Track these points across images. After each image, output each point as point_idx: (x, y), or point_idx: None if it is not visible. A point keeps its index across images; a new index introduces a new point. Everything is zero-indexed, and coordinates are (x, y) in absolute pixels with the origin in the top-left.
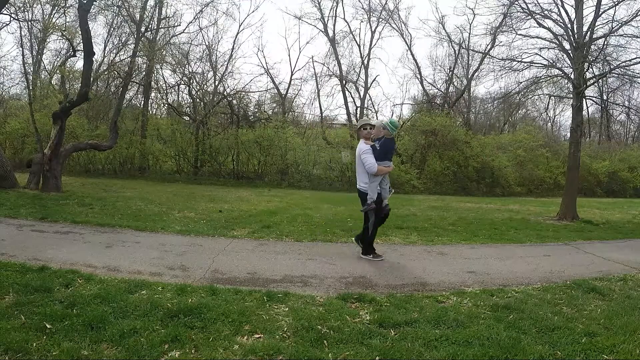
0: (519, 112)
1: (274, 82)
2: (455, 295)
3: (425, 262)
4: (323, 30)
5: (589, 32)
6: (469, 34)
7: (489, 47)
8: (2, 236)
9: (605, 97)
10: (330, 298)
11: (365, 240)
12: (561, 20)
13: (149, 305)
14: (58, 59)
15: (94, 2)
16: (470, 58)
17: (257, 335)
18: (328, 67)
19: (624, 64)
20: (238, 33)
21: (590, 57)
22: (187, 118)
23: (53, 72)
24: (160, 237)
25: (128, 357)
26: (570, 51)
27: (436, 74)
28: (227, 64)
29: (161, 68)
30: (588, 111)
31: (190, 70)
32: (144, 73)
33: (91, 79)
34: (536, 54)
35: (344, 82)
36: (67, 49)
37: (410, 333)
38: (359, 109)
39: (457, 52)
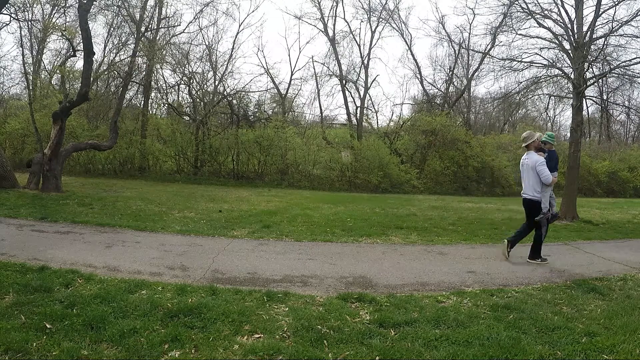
0: (519, 112)
1: (274, 82)
2: (455, 295)
3: (425, 262)
4: (323, 30)
5: (589, 32)
6: (469, 33)
7: (489, 47)
8: (2, 236)
9: (605, 97)
10: (330, 298)
11: (534, 245)
12: (561, 20)
13: (149, 305)
14: (58, 59)
15: (94, 2)
16: (470, 58)
17: (257, 335)
18: (328, 67)
19: (624, 64)
20: (238, 33)
21: (590, 57)
22: (187, 118)
23: (53, 72)
24: (160, 237)
25: (128, 357)
26: (570, 51)
27: (436, 74)
28: (227, 64)
29: (161, 68)
30: (588, 111)
31: (190, 70)
32: (144, 73)
33: (91, 79)
34: (536, 54)
35: (344, 82)
36: (67, 49)
37: (410, 333)
38: (359, 108)
39: (457, 52)
